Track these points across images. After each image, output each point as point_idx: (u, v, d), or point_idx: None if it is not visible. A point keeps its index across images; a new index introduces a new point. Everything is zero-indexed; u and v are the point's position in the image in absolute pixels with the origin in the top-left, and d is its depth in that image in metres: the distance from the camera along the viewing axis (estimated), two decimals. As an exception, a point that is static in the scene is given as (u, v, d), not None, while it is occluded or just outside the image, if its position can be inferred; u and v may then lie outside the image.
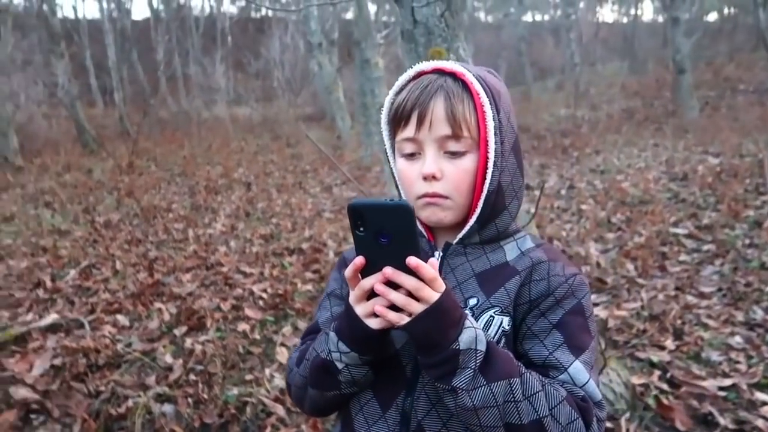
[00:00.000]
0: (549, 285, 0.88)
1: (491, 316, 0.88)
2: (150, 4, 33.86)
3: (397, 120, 0.89)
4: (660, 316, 2.83)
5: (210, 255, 4.37)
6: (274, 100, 18.83)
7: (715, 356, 2.49)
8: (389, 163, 0.97)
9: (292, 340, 2.81)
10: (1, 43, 10.95)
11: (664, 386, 2.25)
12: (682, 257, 3.74)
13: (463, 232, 0.91)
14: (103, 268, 4.25)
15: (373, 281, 0.78)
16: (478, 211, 0.89)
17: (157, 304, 3.28)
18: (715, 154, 6.82)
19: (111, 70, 17.13)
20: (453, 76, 0.89)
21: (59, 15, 15.66)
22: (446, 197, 0.88)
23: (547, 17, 34.09)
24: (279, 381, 2.51)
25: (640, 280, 3.36)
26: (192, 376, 2.55)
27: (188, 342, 2.82)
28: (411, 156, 0.89)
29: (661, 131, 9.35)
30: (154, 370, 2.64)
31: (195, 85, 19.30)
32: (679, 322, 2.77)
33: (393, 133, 0.93)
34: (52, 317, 3.09)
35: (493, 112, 0.87)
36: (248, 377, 2.56)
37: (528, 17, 33.39)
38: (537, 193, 5.80)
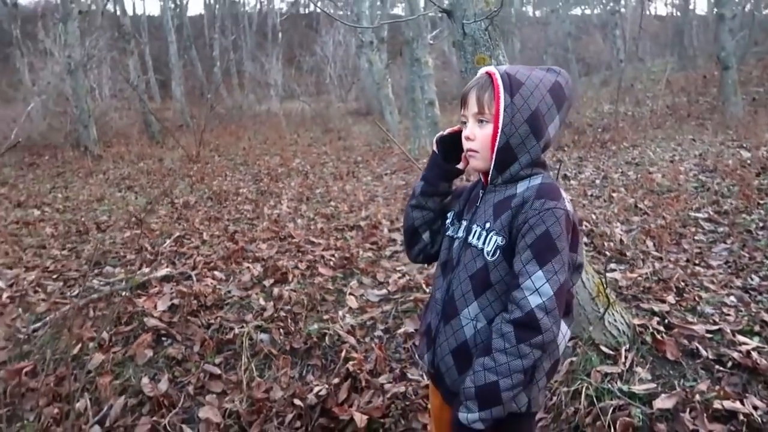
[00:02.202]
0: (527, 216, 1.31)
1: (492, 235, 1.37)
2: (204, 1, 35.09)
3: (461, 102, 1.46)
4: (667, 279, 3.34)
5: (281, 230, 5.06)
6: (325, 95, 19.63)
7: (709, 310, 3.00)
8: None
9: (358, 291, 3.46)
10: (80, 42, 11.98)
11: (660, 328, 2.78)
12: (698, 237, 4.21)
13: (490, 175, 1.43)
14: (192, 239, 5.00)
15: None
16: (493, 161, 1.39)
17: (246, 264, 3.99)
18: (748, 148, 7.14)
19: (173, 66, 18.19)
20: (488, 75, 1.41)
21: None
22: (476, 151, 1.41)
23: (597, 11, 33.85)
24: (350, 320, 3.16)
25: (656, 254, 3.87)
26: (282, 314, 3.22)
27: (275, 291, 3.51)
28: (463, 124, 1.46)
29: (702, 127, 9.61)
30: (251, 310, 3.34)
31: (250, 80, 20.26)
32: (682, 284, 3.28)
33: None
34: (165, 270, 3.84)
35: (505, 96, 1.34)
36: (325, 317, 3.22)
37: (577, 11, 33.23)
38: (573, 182, 6.31)
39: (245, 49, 24.96)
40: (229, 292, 3.53)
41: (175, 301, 3.40)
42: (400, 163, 9.09)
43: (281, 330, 3.11)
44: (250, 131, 14.54)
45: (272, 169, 9.08)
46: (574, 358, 2.61)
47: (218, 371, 2.89)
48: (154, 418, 2.59)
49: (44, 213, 6.78)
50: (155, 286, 3.64)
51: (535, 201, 1.32)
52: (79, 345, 3.07)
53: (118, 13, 15.83)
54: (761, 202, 4.79)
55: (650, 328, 2.75)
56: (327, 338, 3.02)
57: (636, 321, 2.78)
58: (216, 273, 3.87)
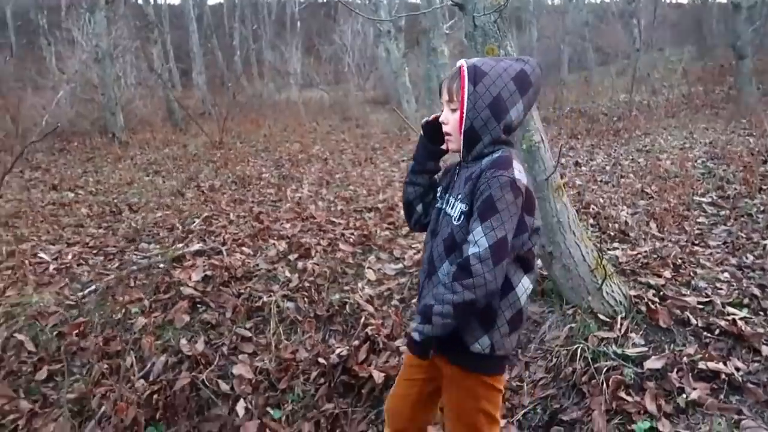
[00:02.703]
0: (479, 184, 1.56)
1: (458, 203, 1.65)
2: (225, -9, 35.35)
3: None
4: (665, 257, 3.56)
5: (303, 211, 5.35)
6: (343, 83, 19.86)
7: (702, 284, 3.22)
8: None
9: (376, 266, 3.73)
10: (107, 31, 12.34)
11: (655, 299, 3.01)
12: (701, 219, 4.41)
13: (461, 154, 1.70)
14: (219, 219, 5.30)
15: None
16: (461, 141, 1.66)
17: (271, 241, 4.28)
18: (758, 136, 7.26)
19: (194, 55, 18.54)
20: (459, 67, 1.65)
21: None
22: (450, 134, 1.70)
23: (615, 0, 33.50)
24: (368, 290, 3.43)
25: (658, 234, 4.08)
26: (306, 284, 3.51)
27: (300, 264, 3.79)
28: (442, 111, 1.73)
29: (716, 116, 9.70)
30: (277, 281, 3.62)
31: (269, 69, 20.55)
32: (680, 261, 3.50)
33: None
34: (197, 246, 4.14)
35: (469, 86, 1.59)
36: (346, 288, 3.50)
37: (595, 0, 32.94)
38: (584, 169, 6.50)
39: (265, 39, 25.25)
40: (257, 265, 3.82)
41: (208, 273, 3.70)
42: (417, 150, 9.31)
43: (305, 299, 3.39)
44: (270, 119, 14.84)
45: (293, 155, 9.37)
46: (573, 325, 2.86)
47: (249, 334, 3.19)
48: (193, 374, 2.90)
49: (78, 195, 7.14)
50: (189, 260, 3.94)
51: (487, 171, 1.57)
52: (123, 310, 3.39)
53: (141, 2, 16.20)
54: (764, 187, 4.96)
55: (645, 298, 2.98)
56: (348, 307, 3.30)
57: (632, 292, 3.01)
58: (244, 249, 4.16)
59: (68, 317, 3.37)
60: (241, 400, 2.80)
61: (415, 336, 1.60)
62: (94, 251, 4.54)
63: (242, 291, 3.53)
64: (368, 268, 3.68)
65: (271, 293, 3.46)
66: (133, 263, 4.02)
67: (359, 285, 3.50)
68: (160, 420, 2.75)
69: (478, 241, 1.51)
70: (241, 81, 20.30)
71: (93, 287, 3.66)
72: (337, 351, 2.97)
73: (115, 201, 6.56)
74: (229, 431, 2.72)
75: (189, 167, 8.75)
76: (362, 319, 3.16)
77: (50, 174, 8.78)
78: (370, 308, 3.27)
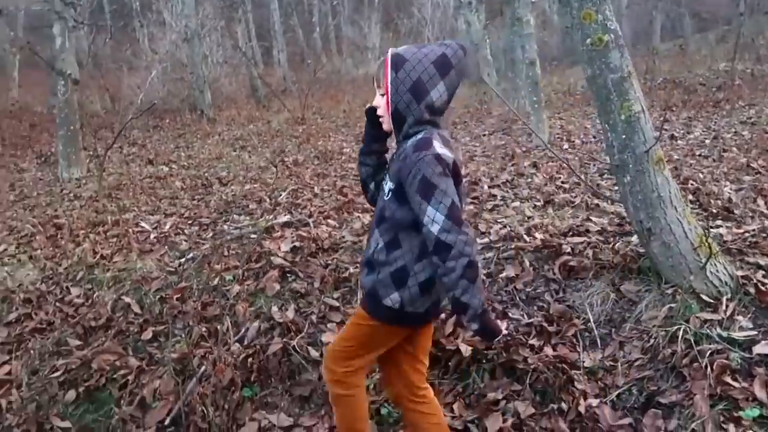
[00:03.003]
0: (409, 167, 1.70)
1: (388, 181, 1.84)
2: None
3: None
4: (777, 236, 3.30)
5: (385, 185, 5.37)
6: (422, 57, 19.58)
7: (820, 266, 2.96)
8: None
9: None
10: (194, 12, 12.80)
11: (765, 281, 2.81)
12: (817, 197, 4.05)
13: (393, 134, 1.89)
14: (304, 192, 5.43)
15: None
16: (390, 122, 1.85)
17: (356, 214, 4.34)
18: None
19: (275, 33, 18.92)
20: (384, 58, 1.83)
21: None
22: (382, 116, 1.88)
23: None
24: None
25: (767, 212, 3.79)
26: (392, 257, 3.53)
27: (385, 237, 3.82)
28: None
29: (833, 84, 8.85)
30: (362, 253, 3.67)
31: (348, 44, 20.63)
32: (793, 241, 3.24)
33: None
34: (286, 217, 4.27)
35: (391, 72, 1.78)
36: (431, 261, 3.49)
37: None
38: (681, 142, 6.13)
39: (343, 14, 25.35)
40: (343, 237, 3.88)
41: (296, 244, 3.80)
42: (499, 123, 9.13)
43: (392, 271, 3.42)
44: (349, 94, 14.96)
45: (372, 130, 9.40)
46: (673, 305, 2.72)
47: (337, 304, 3.26)
48: (284, 340, 3.00)
49: (171, 169, 7.53)
50: (278, 231, 4.06)
51: (412, 154, 1.71)
52: (218, 278, 3.55)
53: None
54: None
55: (754, 279, 2.79)
56: (433, 280, 3.29)
57: (740, 273, 2.82)
58: (330, 221, 4.24)
59: (170, 283, 3.57)
60: (331, 366, 2.87)
61: (475, 326, 1.73)
62: (189, 222, 4.78)
63: (329, 262, 3.60)
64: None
65: (357, 265, 3.51)
66: (226, 233, 4.20)
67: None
68: (255, 382, 2.87)
69: (434, 218, 1.67)
70: (321, 57, 20.54)
71: (190, 255, 3.86)
72: (424, 323, 2.97)
73: (206, 174, 6.86)
74: (319, 396, 2.80)
75: (273, 142, 9.00)
76: (448, 293, 3.15)
77: (146, 149, 9.30)
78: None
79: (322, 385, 2.82)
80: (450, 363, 2.81)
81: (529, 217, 3.96)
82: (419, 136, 1.76)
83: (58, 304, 3.61)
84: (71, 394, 2.97)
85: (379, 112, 1.88)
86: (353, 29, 22.00)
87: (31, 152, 9.95)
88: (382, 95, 1.84)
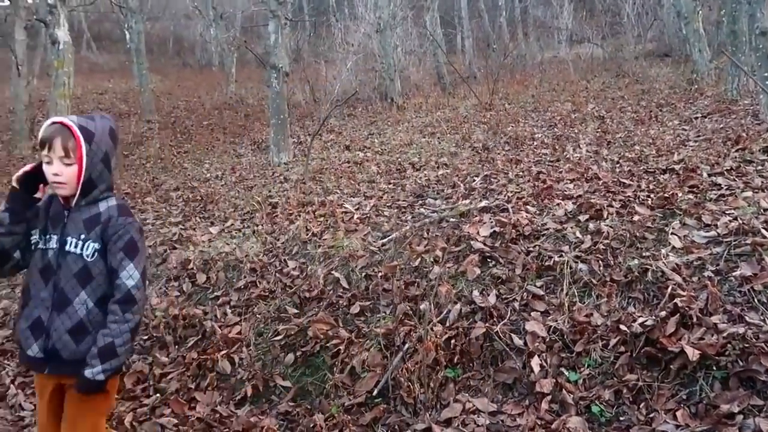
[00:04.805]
0: (116, 228, 1.99)
1: (89, 243, 1.98)
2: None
3: (40, 145, 1.96)
4: None
5: (585, 171, 5.07)
6: (617, 36, 18.24)
7: None
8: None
9: (681, 232, 3.34)
10: (387, 3, 13.26)
11: None
12: None
13: (75, 199, 2.00)
14: (498, 177, 5.34)
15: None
16: (79, 190, 1.97)
17: (556, 200, 4.15)
18: None
19: (462, 19, 18.90)
20: (65, 127, 1.93)
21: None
22: (65, 183, 1.95)
23: None
24: (674, 258, 3.09)
25: None
26: (600, 247, 3.32)
27: (591, 225, 3.60)
28: (47, 163, 1.95)
29: None
30: (567, 242, 3.50)
31: (536, 27, 19.90)
32: None
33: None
34: (484, 202, 4.24)
35: (86, 145, 1.94)
36: (645, 254, 3.20)
37: None
38: None
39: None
40: (545, 224, 3.74)
41: (496, 229, 3.75)
42: (711, 105, 8.12)
43: (600, 262, 3.21)
44: (536, 78, 14.44)
45: (565, 114, 8.97)
46: None
47: (540, 293, 3.15)
48: (487, 325, 2.98)
49: (366, 155, 7.92)
50: (476, 216, 4.05)
51: (119, 218, 2.02)
52: (419, 259, 3.64)
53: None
54: None
55: None
56: (649, 274, 3.02)
57: None
58: (529, 207, 4.11)
59: (374, 261, 3.75)
60: (536, 356, 2.78)
61: (101, 377, 1.92)
62: (388, 204, 4.98)
63: (531, 249, 3.50)
64: (672, 233, 3.31)
65: (562, 253, 3.35)
66: (424, 216, 4.29)
67: (663, 251, 3.17)
68: (457, 364, 2.89)
69: (132, 275, 1.97)
70: (506, 42, 20.08)
71: (392, 236, 4.01)
72: (640, 320, 2.74)
73: (399, 160, 7.10)
74: (523, 385, 2.74)
75: (461, 129, 9.01)
76: (668, 289, 2.86)
77: (342, 136, 9.91)
78: (678, 278, 2.94)
79: (527, 374, 2.75)
80: (671, 366, 2.56)
81: (765, 210, 3.45)
82: (113, 201, 2.05)
83: (277, 274, 4.00)
84: (290, 357, 3.27)
85: (60, 179, 1.96)
86: (543, 9, 21.13)
87: (247, 139, 11.17)
88: (68, 165, 1.94)
